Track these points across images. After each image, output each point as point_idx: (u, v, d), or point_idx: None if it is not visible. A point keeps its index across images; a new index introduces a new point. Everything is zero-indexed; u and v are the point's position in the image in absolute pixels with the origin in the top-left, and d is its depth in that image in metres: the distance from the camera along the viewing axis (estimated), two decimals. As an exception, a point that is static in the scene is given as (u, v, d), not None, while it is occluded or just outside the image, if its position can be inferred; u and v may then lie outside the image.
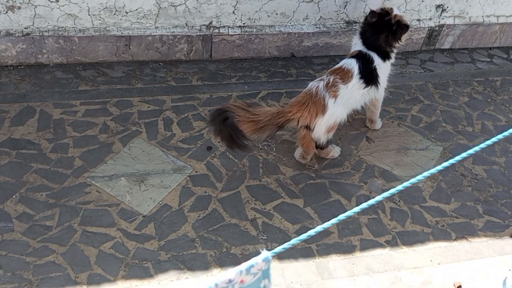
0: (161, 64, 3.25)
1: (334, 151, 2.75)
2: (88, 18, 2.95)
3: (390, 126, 3.03)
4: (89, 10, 2.92)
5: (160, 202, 2.42)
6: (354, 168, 2.73)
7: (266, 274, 1.20)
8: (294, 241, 1.17)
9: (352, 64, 2.53)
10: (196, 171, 2.59)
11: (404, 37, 2.66)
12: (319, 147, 2.63)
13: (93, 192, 2.41)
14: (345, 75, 2.49)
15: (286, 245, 1.17)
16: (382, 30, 2.58)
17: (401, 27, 2.57)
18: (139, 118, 2.84)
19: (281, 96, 3.14)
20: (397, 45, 2.66)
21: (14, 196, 2.34)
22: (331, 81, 2.46)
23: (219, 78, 3.22)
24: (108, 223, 2.29)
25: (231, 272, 1.13)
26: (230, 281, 1.13)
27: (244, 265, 1.14)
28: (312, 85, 2.50)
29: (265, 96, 3.13)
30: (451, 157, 2.84)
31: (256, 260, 1.15)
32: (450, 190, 2.69)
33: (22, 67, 3.03)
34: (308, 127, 2.45)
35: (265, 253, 1.16)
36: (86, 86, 2.99)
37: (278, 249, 1.16)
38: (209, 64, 3.32)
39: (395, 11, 2.57)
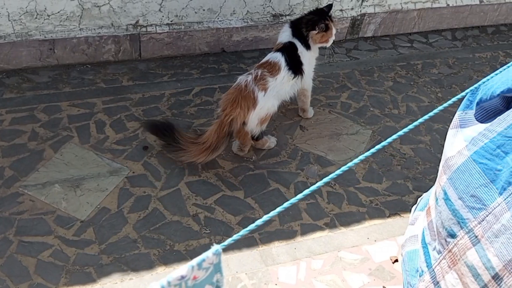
0: (89, 66, 3.17)
1: (270, 142, 2.81)
2: (8, 24, 2.83)
3: (322, 114, 3.14)
4: (9, 16, 2.80)
5: (98, 206, 2.37)
6: (291, 157, 2.81)
7: (217, 268, 1.19)
8: (243, 232, 1.19)
9: (278, 57, 2.60)
10: (134, 172, 2.57)
11: (313, 36, 2.71)
12: (255, 138, 2.68)
13: (27, 201, 2.33)
14: (272, 69, 2.55)
15: (235, 236, 1.18)
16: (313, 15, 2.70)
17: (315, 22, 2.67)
18: (69, 123, 2.76)
19: (214, 92, 3.16)
20: (309, 36, 2.72)
21: None
22: (259, 75, 2.50)
23: (151, 77, 3.20)
24: (44, 231, 2.23)
25: (183, 269, 1.11)
26: (182, 277, 1.11)
27: (195, 260, 1.14)
28: (240, 79, 2.54)
29: (199, 92, 3.14)
30: (380, 140, 2.99)
31: (207, 254, 1.14)
32: (381, 170, 2.83)
33: None
34: (243, 122, 2.49)
35: (215, 247, 1.18)
36: (11, 94, 2.87)
37: (228, 241, 1.18)
38: (139, 63, 3.29)
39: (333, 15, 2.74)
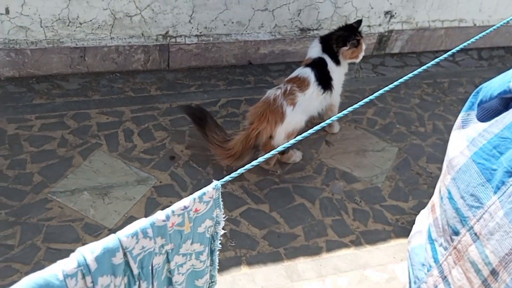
0: (118, 74, 3.21)
1: (296, 156, 2.81)
2: (40, 30, 2.88)
3: (348, 129, 3.13)
4: (41, 22, 2.85)
5: (126, 215, 2.38)
6: (316, 172, 2.80)
7: (217, 203, 1.28)
8: (241, 170, 1.25)
9: (307, 73, 2.60)
10: (161, 182, 2.58)
11: (344, 52, 2.73)
12: (280, 152, 2.68)
13: (55, 208, 2.35)
14: (301, 84, 2.56)
15: (234, 174, 1.25)
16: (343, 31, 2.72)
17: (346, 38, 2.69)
18: (98, 130, 2.79)
19: (240, 104, 3.17)
20: (339, 52, 2.73)
21: (-30, 217, 2.25)
22: (288, 90, 2.51)
23: (178, 87, 3.22)
24: (72, 238, 2.24)
25: (186, 200, 1.20)
26: (185, 207, 1.20)
27: (196, 194, 1.22)
28: (269, 93, 2.54)
29: (225, 104, 3.15)
30: (406, 158, 2.98)
31: (207, 189, 1.23)
32: (407, 188, 2.80)
33: (-29, 81, 2.93)
34: (269, 136, 2.49)
35: (214, 182, 1.25)
36: (41, 100, 2.91)
37: (226, 178, 1.24)
38: (167, 73, 3.31)
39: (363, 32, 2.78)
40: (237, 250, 2.32)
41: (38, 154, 2.59)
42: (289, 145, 1.33)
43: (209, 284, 1.49)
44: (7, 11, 2.74)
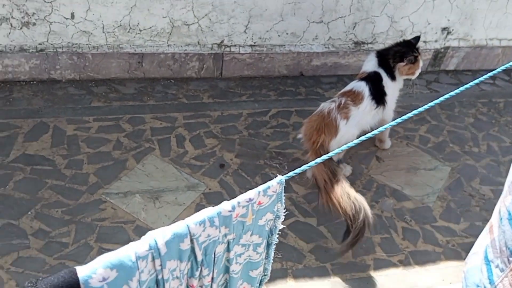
0: (172, 81, 3.28)
1: (345, 170, 2.78)
2: (102, 36, 2.98)
3: (399, 145, 3.08)
4: (103, 28, 2.95)
5: (175, 220, 2.42)
6: (366, 187, 2.76)
7: (279, 197, 1.32)
8: (304, 167, 1.29)
9: (362, 87, 2.58)
10: (210, 189, 2.61)
11: (400, 68, 2.69)
12: (331, 166, 2.66)
13: (109, 209, 2.42)
14: (356, 98, 2.54)
15: (298, 170, 1.28)
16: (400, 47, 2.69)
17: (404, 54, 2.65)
18: (152, 135, 2.85)
19: (291, 115, 3.18)
20: (396, 67, 2.70)
21: (29, 213, 2.34)
22: (342, 103, 2.49)
23: (230, 95, 3.26)
24: (124, 240, 2.29)
25: (251, 192, 1.25)
26: (250, 199, 1.25)
27: (261, 187, 1.27)
28: (323, 106, 2.53)
29: (275, 114, 3.17)
30: (459, 178, 2.90)
31: (272, 183, 1.28)
32: (459, 210, 2.73)
33: (35, 82, 3.05)
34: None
35: (279, 177, 1.29)
36: (99, 103, 3.01)
37: (290, 174, 1.28)
38: (219, 81, 3.36)
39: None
40: (284, 263, 2.32)
41: (94, 155, 2.67)
42: (340, 150, 1.34)
43: (262, 276, 1.53)
44: (72, 16, 2.85)
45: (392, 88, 2.71)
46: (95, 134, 2.80)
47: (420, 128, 3.24)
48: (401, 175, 2.88)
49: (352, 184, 2.75)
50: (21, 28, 2.83)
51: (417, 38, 2.77)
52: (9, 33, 2.83)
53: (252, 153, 2.85)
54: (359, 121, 2.55)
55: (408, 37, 2.83)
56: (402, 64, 2.64)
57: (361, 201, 2.23)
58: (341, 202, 2.23)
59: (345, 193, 2.24)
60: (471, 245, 2.52)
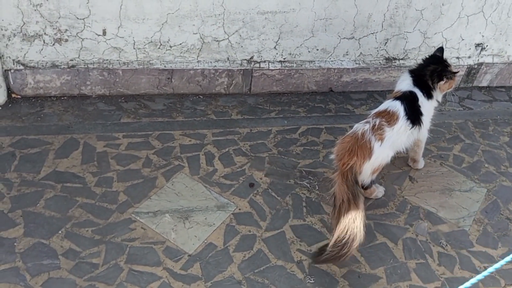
0: (201, 97, 3.26)
1: (378, 191, 2.72)
2: (133, 52, 2.97)
3: (433, 165, 3.00)
4: (134, 44, 2.95)
5: (205, 241, 2.39)
6: (399, 209, 2.69)
7: None
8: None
9: (397, 107, 2.51)
10: (240, 209, 2.57)
11: (441, 86, 2.64)
12: (363, 187, 2.60)
13: (138, 229, 2.40)
14: (390, 118, 2.47)
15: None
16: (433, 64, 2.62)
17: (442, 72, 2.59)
18: (181, 152, 2.83)
19: (320, 132, 3.12)
20: (436, 87, 2.64)
21: (60, 232, 2.33)
22: (377, 124, 2.43)
23: (259, 112, 3.22)
24: (154, 261, 2.26)
25: None
26: None
27: None
28: (357, 127, 2.47)
29: (305, 131, 3.12)
30: (495, 200, 2.81)
31: None
32: (496, 234, 2.63)
33: (65, 98, 3.06)
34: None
35: None
36: (128, 119, 3.00)
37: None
38: (248, 97, 3.33)
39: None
40: None
41: (124, 173, 2.66)
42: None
43: None
44: (104, 33, 2.85)
45: (428, 107, 2.64)
46: (124, 151, 2.78)
47: (454, 147, 3.15)
48: (435, 197, 2.79)
49: (385, 206, 2.70)
50: (53, 44, 2.84)
51: (441, 50, 2.70)
52: (42, 49, 2.84)
53: (282, 172, 2.81)
54: (393, 142, 2.49)
55: (434, 51, 2.74)
56: (442, 82, 2.58)
57: (358, 234, 2.21)
58: (346, 226, 2.21)
59: (353, 219, 2.23)
60: (510, 272, 2.45)
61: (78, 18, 2.78)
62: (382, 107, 2.57)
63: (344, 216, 2.24)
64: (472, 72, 3.59)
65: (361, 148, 2.38)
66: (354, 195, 2.26)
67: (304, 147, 3.00)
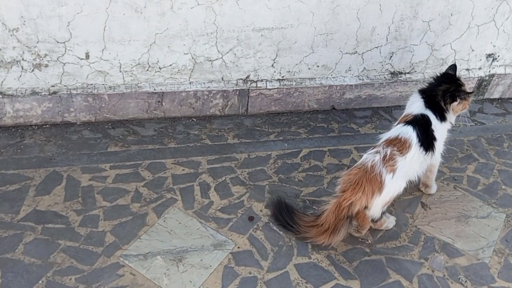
0: (195, 120, 3.04)
1: (389, 222, 2.50)
2: (119, 75, 2.75)
3: (446, 189, 2.77)
4: (120, 67, 2.73)
5: (201, 287, 2.16)
6: (412, 241, 2.47)
7: None
8: None
9: (409, 133, 2.29)
10: (239, 247, 2.34)
11: (454, 108, 2.43)
12: (373, 220, 2.38)
13: (127, 275, 2.17)
14: (402, 146, 2.25)
15: None
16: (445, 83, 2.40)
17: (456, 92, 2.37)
18: (173, 184, 2.61)
19: (324, 155, 2.90)
20: (449, 108, 2.43)
21: (40, 281, 2.09)
22: (388, 154, 2.21)
23: (257, 135, 3.00)
24: (144, 313, 2.05)
25: None
26: None
27: None
28: (366, 158, 2.25)
29: (307, 155, 2.90)
30: (517, 226, 2.59)
31: None
32: (520, 266, 2.42)
33: (47, 126, 2.84)
34: (365, 207, 2.20)
35: None
36: (116, 147, 2.78)
37: None
38: (245, 119, 3.11)
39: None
40: (325, 337, 2.04)
41: (111, 209, 2.44)
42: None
43: None
44: (87, 56, 2.64)
45: (442, 131, 2.42)
46: (112, 184, 2.56)
47: (468, 167, 2.93)
48: (451, 225, 2.57)
49: (397, 238, 2.48)
50: (32, 70, 2.62)
51: (453, 67, 2.48)
52: (20, 76, 2.63)
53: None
54: (406, 172, 2.27)
55: (447, 69, 2.53)
56: (455, 103, 2.36)
57: None
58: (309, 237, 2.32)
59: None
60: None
61: (58, 42, 2.56)
62: (393, 133, 2.33)
63: (323, 238, 2.29)
64: (483, 84, 3.38)
65: (371, 182, 2.16)
66: (334, 229, 2.24)
67: (307, 173, 2.78)
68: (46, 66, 2.63)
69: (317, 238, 2.29)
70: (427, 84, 2.49)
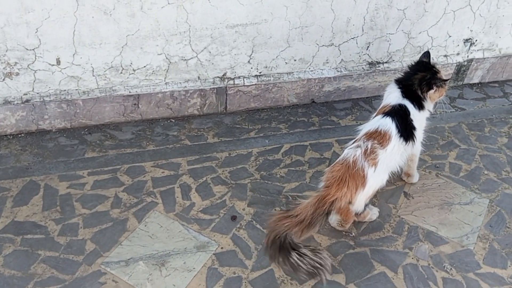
0: (173, 120, 3.00)
1: (372, 213, 2.48)
2: (92, 79, 2.71)
3: (428, 177, 2.77)
4: (93, 71, 2.68)
5: (185, 290, 2.14)
6: (396, 232, 2.46)
7: None
8: None
9: (388, 124, 2.27)
10: (222, 247, 2.32)
11: (432, 96, 2.41)
12: (356, 214, 2.36)
13: (109, 282, 2.13)
14: (382, 139, 2.23)
15: None
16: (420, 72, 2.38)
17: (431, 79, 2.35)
18: (153, 187, 2.57)
19: (305, 150, 2.88)
20: (426, 97, 2.41)
21: (20, 294, 2.07)
22: (369, 148, 2.18)
23: (237, 132, 2.97)
24: (128, 321, 2.02)
25: None
26: None
27: None
28: (348, 154, 2.22)
29: (288, 150, 2.87)
30: (500, 212, 2.58)
31: None
32: (504, 251, 2.41)
33: (23, 135, 2.79)
34: (349, 202, 2.18)
35: None
36: (93, 153, 2.73)
37: None
38: (224, 117, 3.07)
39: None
40: (312, 334, 2.03)
41: (91, 216, 2.40)
42: None
43: None
44: (58, 62, 2.59)
45: (420, 120, 2.41)
46: (90, 191, 2.52)
47: (449, 154, 2.92)
48: (434, 213, 2.57)
49: (381, 229, 2.46)
50: (3, 79, 2.57)
51: (427, 54, 2.46)
52: (-10, 85, 2.57)
53: (266, 200, 2.56)
54: (387, 164, 2.25)
55: (420, 56, 2.51)
56: (432, 91, 2.34)
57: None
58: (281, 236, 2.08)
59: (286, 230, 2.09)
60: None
61: (27, 49, 2.50)
62: (372, 126, 2.30)
63: (294, 230, 2.10)
64: (462, 69, 3.37)
65: (354, 177, 2.14)
66: (309, 224, 2.11)
67: (289, 169, 2.76)
68: (17, 74, 2.57)
69: (290, 230, 2.12)
70: (403, 74, 2.47)
